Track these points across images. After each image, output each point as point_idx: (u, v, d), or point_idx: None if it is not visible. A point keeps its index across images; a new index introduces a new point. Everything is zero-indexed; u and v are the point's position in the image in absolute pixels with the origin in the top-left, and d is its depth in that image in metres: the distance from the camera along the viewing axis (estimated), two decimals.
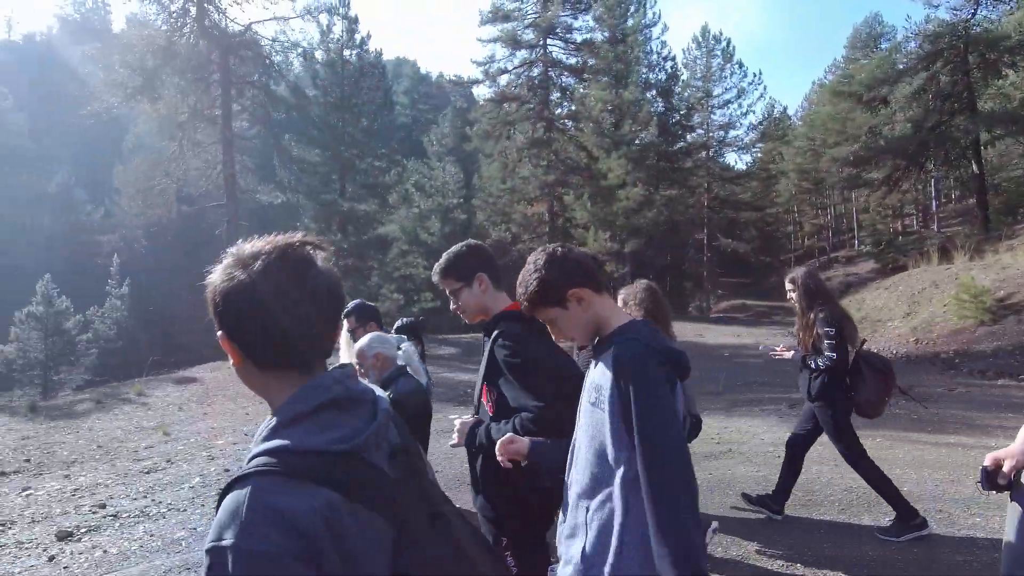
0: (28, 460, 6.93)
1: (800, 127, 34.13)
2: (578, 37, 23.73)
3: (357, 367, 3.32)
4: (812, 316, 3.52)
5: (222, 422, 8.27)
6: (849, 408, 3.49)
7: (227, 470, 6.04)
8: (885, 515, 3.72)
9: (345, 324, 3.96)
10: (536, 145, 23.38)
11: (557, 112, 24.61)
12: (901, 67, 19.97)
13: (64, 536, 4.82)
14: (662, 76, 25.93)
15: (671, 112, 25.63)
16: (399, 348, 3.06)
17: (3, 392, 21.98)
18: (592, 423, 1.43)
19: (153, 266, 36.06)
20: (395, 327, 4.47)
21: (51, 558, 4.40)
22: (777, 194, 32.28)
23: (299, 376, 0.89)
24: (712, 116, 26.69)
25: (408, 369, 2.94)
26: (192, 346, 32.33)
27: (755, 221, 30.14)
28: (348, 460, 0.83)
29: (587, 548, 1.37)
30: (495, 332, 2.04)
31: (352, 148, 17.69)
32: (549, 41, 23.57)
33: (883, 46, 28.38)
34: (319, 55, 19.66)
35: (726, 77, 26.66)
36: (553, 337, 1.63)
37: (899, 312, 13.37)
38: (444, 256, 2.17)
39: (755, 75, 26.94)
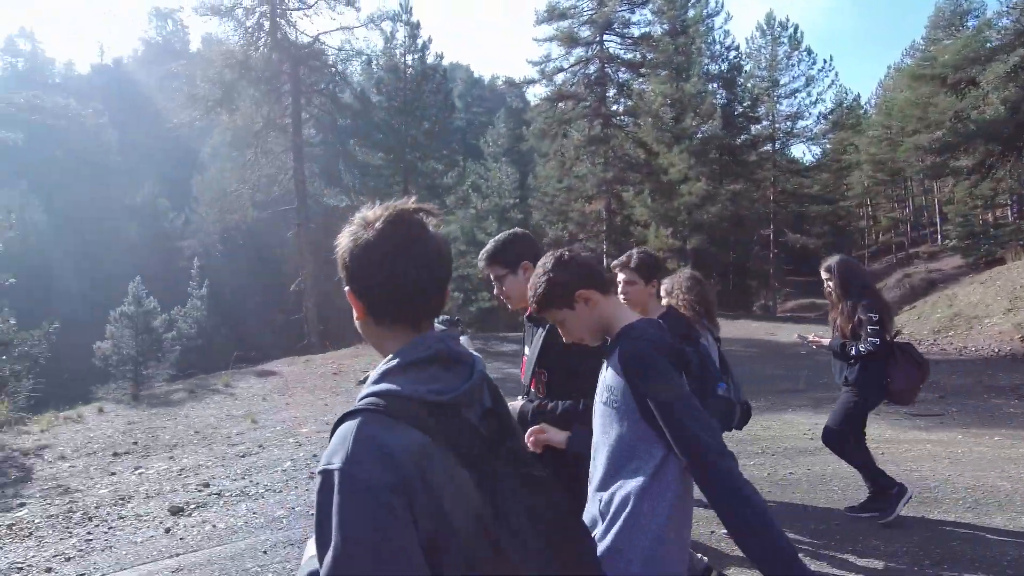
0: (136, 443, 7.51)
1: (875, 115, 32.09)
2: (636, 31, 23.35)
3: None
4: (851, 304, 3.49)
5: (303, 412, 8.65)
6: (881, 397, 3.53)
7: (315, 455, 6.30)
8: (1019, 513, 3.42)
9: None
10: (593, 142, 23.16)
11: (614, 108, 24.30)
12: (993, 45, 18.41)
13: (176, 511, 5.17)
14: (725, 67, 25.04)
15: (735, 103, 24.71)
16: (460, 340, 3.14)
17: (100, 384, 23.81)
18: (606, 421, 1.50)
19: (228, 268, 38.32)
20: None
21: (167, 530, 4.73)
22: (849, 186, 30.49)
23: (410, 331, 0.98)
24: (778, 106, 25.55)
25: None
26: (263, 343, 34.14)
27: (825, 215, 28.59)
28: (444, 411, 0.90)
29: (601, 538, 1.42)
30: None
31: (415, 151, 18.12)
32: (606, 37, 23.31)
33: (970, 24, 26.27)
34: (382, 61, 20.29)
35: (793, 65, 25.45)
36: (563, 338, 1.66)
37: (999, 308, 12.31)
38: (491, 242, 2.20)
39: (825, 62, 25.57)
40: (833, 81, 26.00)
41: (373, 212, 0.99)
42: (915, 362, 3.40)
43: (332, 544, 0.78)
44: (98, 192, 42.74)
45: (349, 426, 0.85)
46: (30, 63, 57.12)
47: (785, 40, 25.40)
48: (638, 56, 23.02)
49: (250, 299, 38.88)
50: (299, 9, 19.27)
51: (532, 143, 27.43)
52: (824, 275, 3.68)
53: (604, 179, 22.84)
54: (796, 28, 25.42)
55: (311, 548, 0.92)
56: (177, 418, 8.74)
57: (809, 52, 25.27)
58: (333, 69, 20.31)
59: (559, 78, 24.31)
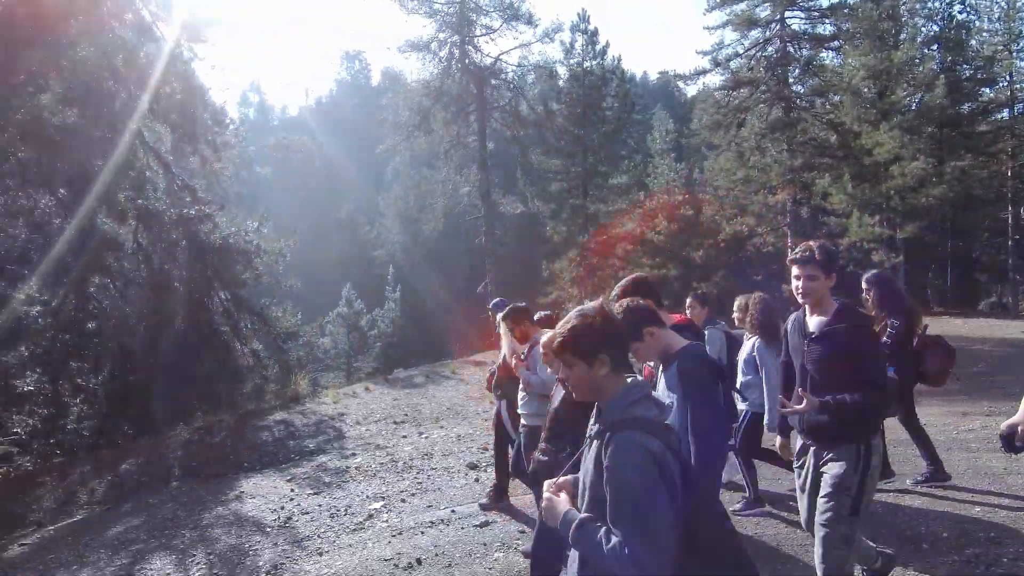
0: (406, 414, 9.04)
1: None
2: (824, 2, 21.33)
3: (535, 353, 3.88)
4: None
5: None
6: (915, 380, 4.15)
7: None
8: None
9: (502, 322, 4.55)
10: (776, 128, 21.65)
11: (797, 90, 22.44)
12: None
13: (472, 467, 6.21)
14: (945, 26, 21.64)
15: (960, 66, 21.20)
16: None
17: (320, 373, 28.14)
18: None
19: (412, 274, 43.02)
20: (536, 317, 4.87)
21: (476, 479, 5.73)
22: None
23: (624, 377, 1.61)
24: (1019, 63, 21.31)
25: None
26: (445, 341, 37.46)
27: None
28: (662, 426, 1.55)
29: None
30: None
31: (594, 155, 18.71)
32: (787, 14, 21.67)
33: None
34: (561, 70, 21.28)
35: None
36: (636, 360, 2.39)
37: None
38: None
39: None
40: None
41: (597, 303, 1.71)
42: (943, 347, 4.07)
43: (632, 501, 1.41)
44: (310, 210, 50.59)
45: (623, 437, 1.47)
46: (258, 111, 69.68)
47: None
48: (830, 29, 21.02)
49: (430, 300, 43.20)
50: (484, 35, 21.07)
51: (704, 136, 26.46)
52: (864, 287, 4.32)
53: (791, 167, 21.21)
54: None
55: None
56: (427, 397, 10.27)
57: None
58: (512, 84, 21.81)
59: (734, 64, 23.18)
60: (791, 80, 22.68)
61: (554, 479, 1.81)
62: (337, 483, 5.95)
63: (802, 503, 2.70)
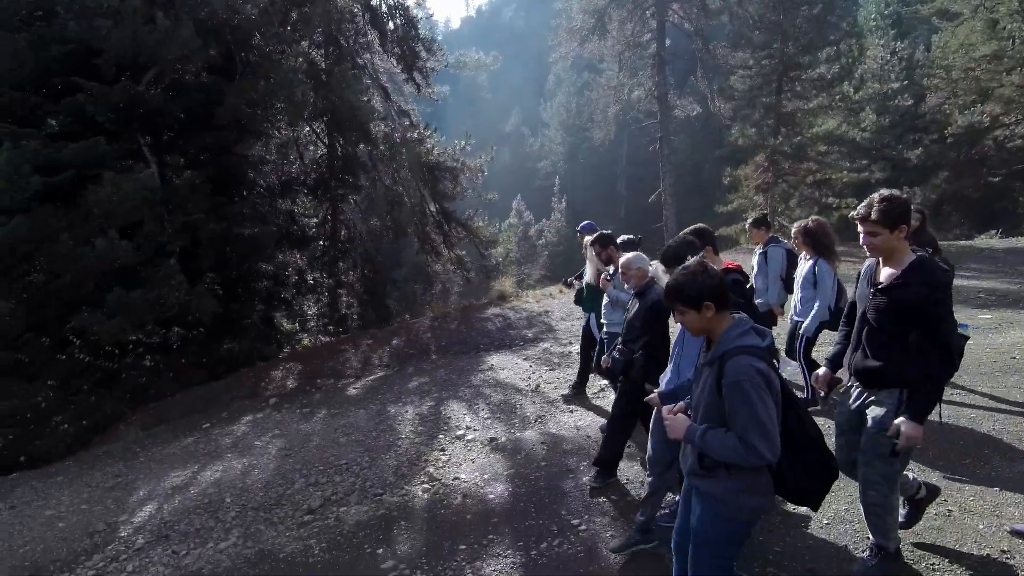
0: None
1: None
2: None
3: (617, 275, 4.33)
4: None
5: None
6: None
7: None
8: None
9: (589, 246, 5.08)
10: None
11: None
12: None
13: None
14: None
15: None
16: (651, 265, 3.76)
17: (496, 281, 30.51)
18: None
19: (573, 184, 43.34)
20: (619, 241, 4.89)
21: None
22: None
23: (730, 316, 2.11)
24: None
25: (656, 281, 3.62)
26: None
27: None
28: (767, 351, 2.03)
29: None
30: None
31: (795, 42, 16.54)
32: None
33: None
34: None
35: None
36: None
37: None
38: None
39: None
40: None
41: (697, 259, 2.17)
42: None
43: (752, 406, 1.91)
44: (477, 123, 52.72)
45: (737, 361, 1.96)
46: (425, 27, 71.84)
47: None
48: None
49: (591, 209, 43.48)
50: None
51: (939, 1, 21.50)
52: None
53: None
54: None
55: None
56: None
57: None
58: None
59: None
60: None
61: (671, 405, 2.33)
62: (564, 364, 7.15)
63: (839, 442, 2.75)
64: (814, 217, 4.72)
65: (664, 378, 3.02)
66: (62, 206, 7.35)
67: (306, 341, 11.24)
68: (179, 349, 8.00)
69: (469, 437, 5.17)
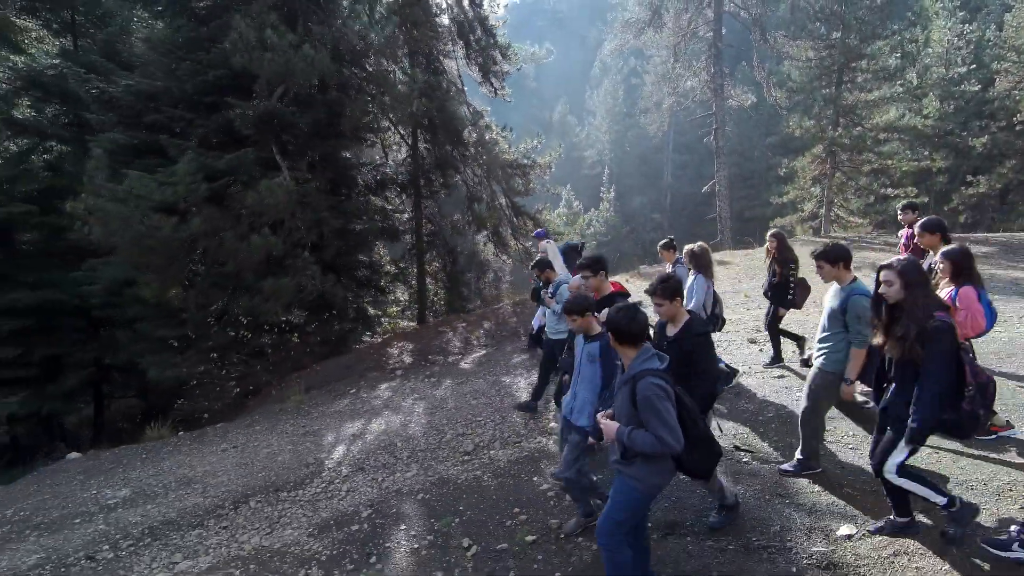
0: None
1: None
2: None
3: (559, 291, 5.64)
4: None
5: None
6: None
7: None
8: None
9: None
10: None
11: None
12: None
13: (752, 341, 7.80)
14: None
15: None
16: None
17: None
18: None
19: (631, 170, 43.65)
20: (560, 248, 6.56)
21: (760, 350, 7.33)
22: None
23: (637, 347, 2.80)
24: None
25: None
26: (645, 244, 38.10)
27: None
28: (664, 371, 2.73)
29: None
30: None
31: (858, 32, 16.63)
32: None
33: None
34: None
35: None
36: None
37: None
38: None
39: None
40: None
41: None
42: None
43: (659, 412, 2.60)
44: (522, 111, 53.34)
45: (645, 383, 2.66)
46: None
47: None
48: None
49: (637, 197, 43.70)
50: None
51: None
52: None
53: None
54: None
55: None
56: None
57: None
58: None
59: None
60: None
61: (604, 412, 2.98)
62: None
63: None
64: (700, 243, 5.70)
65: (564, 399, 3.83)
66: (218, 207, 8.80)
67: (402, 323, 12.59)
68: (311, 329, 9.41)
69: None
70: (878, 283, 3.06)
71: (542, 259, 6.44)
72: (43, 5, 13.12)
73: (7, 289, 11.75)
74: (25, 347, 11.89)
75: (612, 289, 4.57)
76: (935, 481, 3.19)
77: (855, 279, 3.86)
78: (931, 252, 4.90)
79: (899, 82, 19.21)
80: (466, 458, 5.28)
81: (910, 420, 2.86)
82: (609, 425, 2.80)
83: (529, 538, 3.92)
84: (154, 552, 4.29)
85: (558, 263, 7.28)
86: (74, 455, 6.54)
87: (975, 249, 12.03)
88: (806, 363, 6.24)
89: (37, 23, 13.60)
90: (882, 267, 3.04)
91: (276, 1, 8.62)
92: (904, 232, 6.56)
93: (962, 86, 22.54)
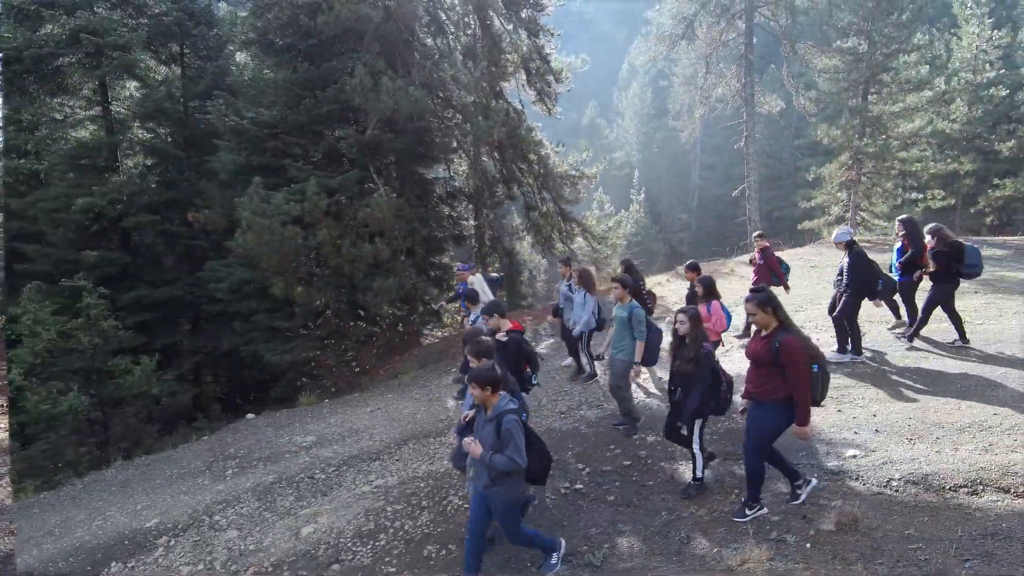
0: None
1: None
2: None
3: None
4: None
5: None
6: None
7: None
8: None
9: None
10: None
11: None
12: None
13: None
14: None
15: None
16: None
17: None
18: None
19: (659, 172, 44.85)
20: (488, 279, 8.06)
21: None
22: None
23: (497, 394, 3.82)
24: None
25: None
26: (683, 241, 39.25)
27: None
28: (519, 409, 3.83)
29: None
30: None
31: (884, 46, 17.73)
32: None
33: None
34: None
35: None
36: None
37: None
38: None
39: None
40: None
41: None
42: None
43: (516, 440, 3.61)
44: (553, 117, 54.63)
45: (509, 416, 3.66)
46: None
47: None
48: None
49: (663, 202, 44.90)
50: None
51: None
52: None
53: None
54: None
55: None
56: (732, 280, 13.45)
57: None
58: None
59: None
60: None
61: (470, 438, 3.75)
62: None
63: None
64: (585, 267, 7.27)
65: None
66: (335, 219, 10.64)
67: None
68: (407, 320, 11.21)
69: (643, 376, 7.87)
70: (675, 320, 4.84)
71: (470, 291, 7.29)
72: (157, 39, 15.22)
73: (130, 288, 13.91)
74: (148, 337, 14.03)
75: (511, 327, 5.37)
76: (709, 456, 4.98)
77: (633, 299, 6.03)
78: (692, 281, 7.30)
79: (927, 87, 20.08)
80: (561, 416, 6.93)
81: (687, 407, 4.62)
82: (475, 447, 3.70)
83: (625, 462, 5.56)
84: (352, 475, 6.05)
85: (485, 294, 7.83)
86: (251, 415, 8.39)
87: (991, 251, 13.22)
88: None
89: (149, 54, 15.72)
90: (680, 311, 4.81)
91: (381, 49, 10.39)
92: (756, 255, 8.77)
93: (990, 90, 23.26)
